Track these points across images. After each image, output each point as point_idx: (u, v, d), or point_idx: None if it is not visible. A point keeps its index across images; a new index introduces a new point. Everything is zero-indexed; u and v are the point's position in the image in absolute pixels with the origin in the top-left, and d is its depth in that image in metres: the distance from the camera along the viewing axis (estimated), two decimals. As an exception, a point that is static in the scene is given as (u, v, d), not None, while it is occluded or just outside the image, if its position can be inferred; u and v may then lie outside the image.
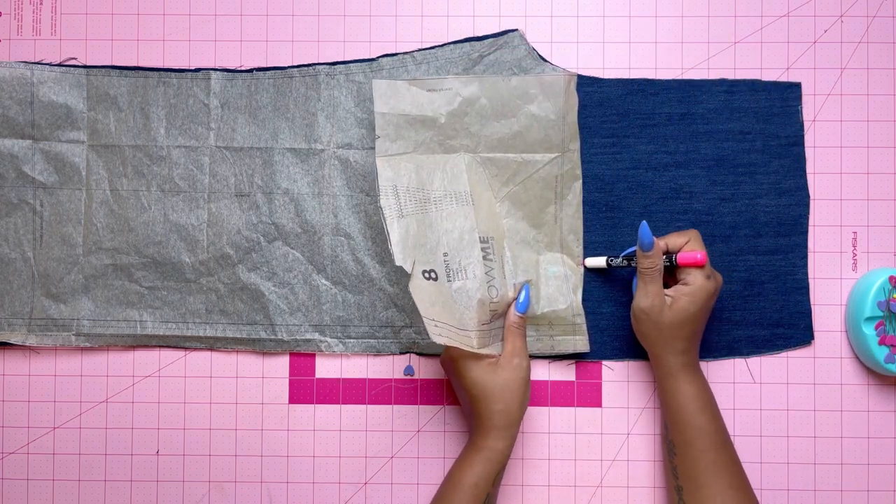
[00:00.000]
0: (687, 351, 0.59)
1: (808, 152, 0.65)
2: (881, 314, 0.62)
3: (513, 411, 0.57)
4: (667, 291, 0.59)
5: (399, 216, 0.58)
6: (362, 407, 0.65)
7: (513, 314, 0.60)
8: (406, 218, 0.58)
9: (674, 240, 0.60)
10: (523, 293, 0.61)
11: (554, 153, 0.63)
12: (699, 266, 0.58)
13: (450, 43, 0.65)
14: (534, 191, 0.63)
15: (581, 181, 0.64)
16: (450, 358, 0.59)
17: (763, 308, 0.64)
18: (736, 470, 0.58)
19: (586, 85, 0.65)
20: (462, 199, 0.61)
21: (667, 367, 0.59)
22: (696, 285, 0.58)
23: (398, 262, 0.56)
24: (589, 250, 0.64)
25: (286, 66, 0.65)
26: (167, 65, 0.66)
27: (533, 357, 0.63)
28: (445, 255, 0.58)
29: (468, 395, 0.58)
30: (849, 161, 0.65)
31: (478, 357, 0.58)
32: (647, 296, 0.59)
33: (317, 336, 0.65)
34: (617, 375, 0.65)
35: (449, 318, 0.56)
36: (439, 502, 0.58)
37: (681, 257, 0.58)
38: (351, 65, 0.65)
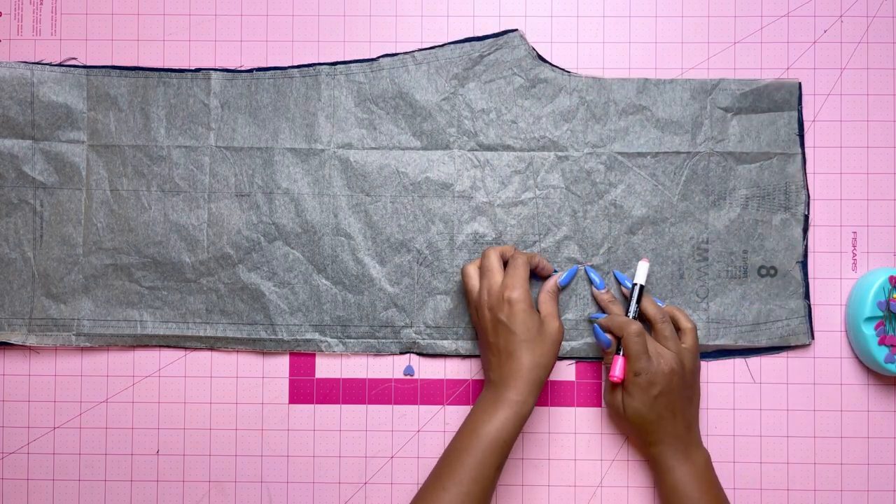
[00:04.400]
0: (672, 438, 0.60)
1: (808, 152, 0.65)
2: (881, 314, 0.62)
3: (548, 368, 0.58)
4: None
5: None
6: (362, 407, 0.65)
7: (554, 283, 0.62)
8: None
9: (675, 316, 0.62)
10: (566, 274, 0.63)
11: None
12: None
13: (450, 43, 0.65)
14: None
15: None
16: (511, 300, 0.58)
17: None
18: None
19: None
20: None
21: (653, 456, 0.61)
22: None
23: None
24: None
25: (286, 66, 0.65)
26: (167, 65, 0.66)
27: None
28: None
29: (512, 342, 0.57)
30: (849, 161, 0.65)
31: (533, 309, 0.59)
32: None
33: (317, 336, 0.65)
34: (617, 375, 0.65)
35: None
36: (462, 455, 0.56)
37: (611, 374, 0.60)
38: (351, 65, 0.65)
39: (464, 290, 0.63)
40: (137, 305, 0.65)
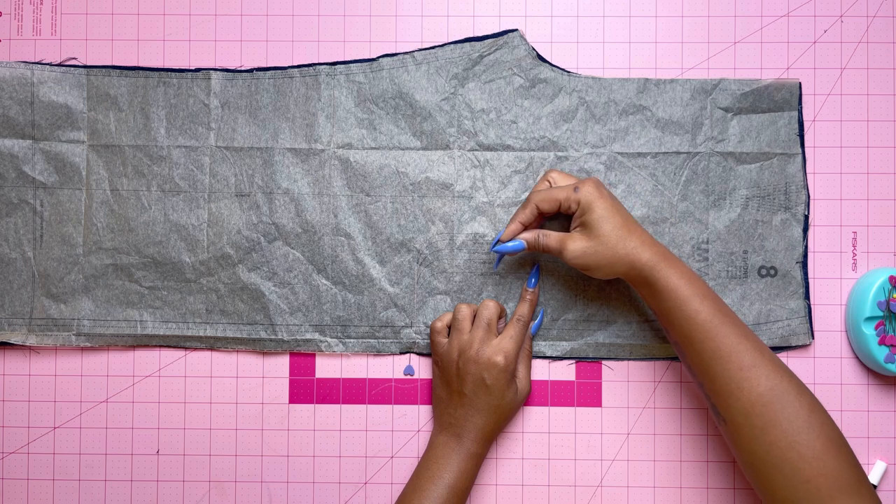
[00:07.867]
0: (640, 244, 0.56)
1: (808, 152, 0.65)
2: (881, 314, 0.62)
3: (506, 425, 0.63)
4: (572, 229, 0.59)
5: None
6: (362, 407, 0.65)
7: (530, 342, 0.64)
8: None
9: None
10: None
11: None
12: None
13: (450, 43, 0.65)
14: None
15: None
16: (500, 366, 0.59)
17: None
18: (742, 348, 0.53)
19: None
20: None
21: (638, 271, 0.56)
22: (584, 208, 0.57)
23: None
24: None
25: (286, 66, 0.65)
26: (167, 65, 0.66)
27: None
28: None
29: (485, 402, 0.59)
30: (849, 161, 0.65)
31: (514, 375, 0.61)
32: (566, 247, 0.58)
33: (317, 336, 0.65)
34: (617, 375, 0.65)
35: None
36: (424, 501, 0.58)
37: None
38: (351, 65, 0.65)
39: (433, 341, 0.63)
40: (137, 305, 0.65)
